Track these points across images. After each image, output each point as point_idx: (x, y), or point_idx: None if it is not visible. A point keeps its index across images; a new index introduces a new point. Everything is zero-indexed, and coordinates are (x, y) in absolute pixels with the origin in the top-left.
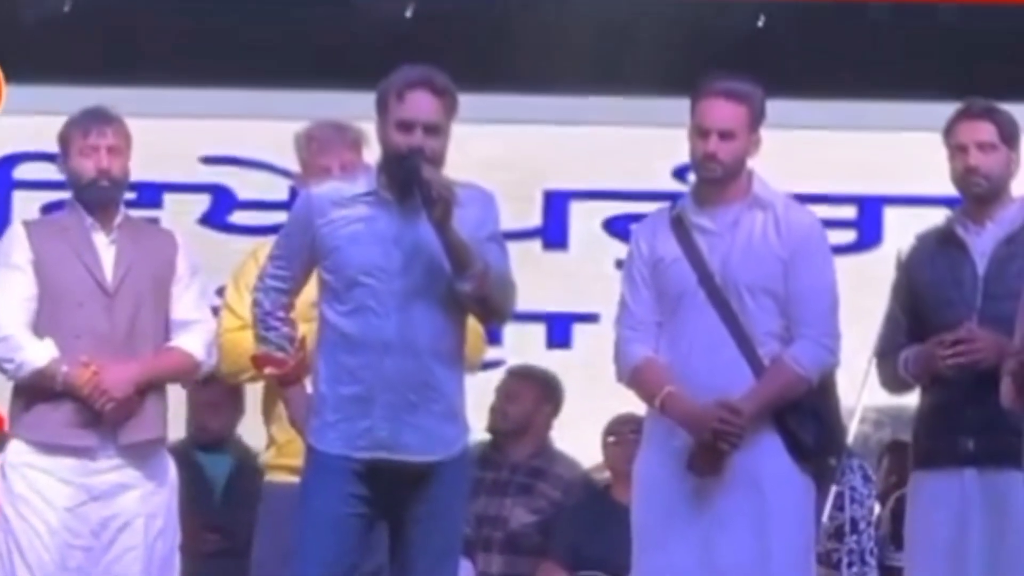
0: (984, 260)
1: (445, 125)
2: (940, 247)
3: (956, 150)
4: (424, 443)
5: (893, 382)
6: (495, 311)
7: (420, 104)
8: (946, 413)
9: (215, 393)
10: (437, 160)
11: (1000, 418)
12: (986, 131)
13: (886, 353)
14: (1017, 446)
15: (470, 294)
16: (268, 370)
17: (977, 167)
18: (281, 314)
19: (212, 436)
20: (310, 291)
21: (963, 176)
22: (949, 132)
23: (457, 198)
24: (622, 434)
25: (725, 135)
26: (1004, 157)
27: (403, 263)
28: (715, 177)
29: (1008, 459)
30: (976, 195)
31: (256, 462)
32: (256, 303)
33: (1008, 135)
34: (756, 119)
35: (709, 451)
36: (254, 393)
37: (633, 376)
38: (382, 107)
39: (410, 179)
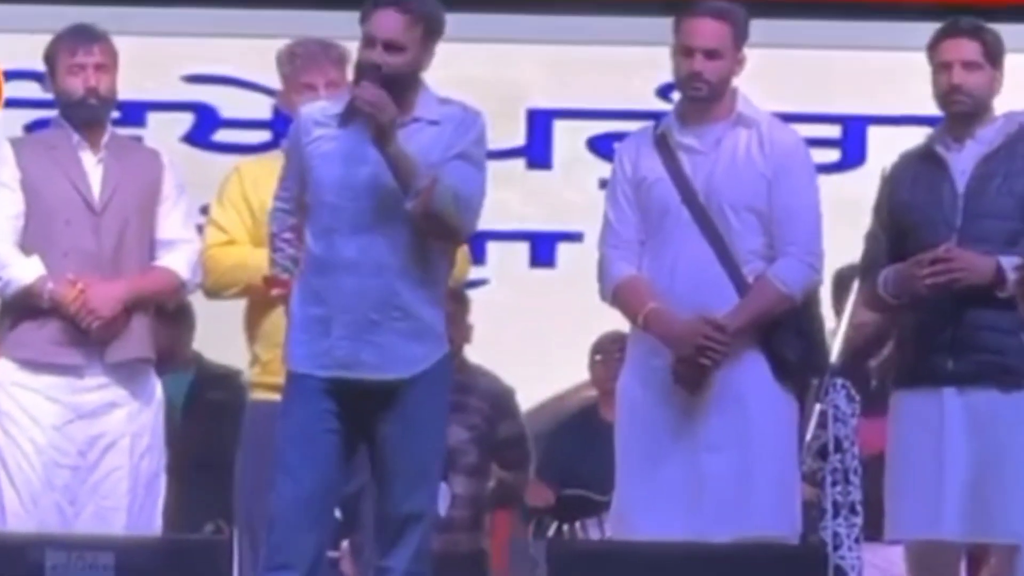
0: (964, 178)
1: (412, 44)
2: (920, 165)
3: (940, 67)
4: (384, 362)
5: (874, 300)
6: (446, 229)
7: (382, 21)
8: (926, 333)
9: (167, 325)
10: (402, 78)
11: (980, 337)
12: (971, 49)
13: (868, 271)
14: (997, 365)
15: (412, 211)
16: (275, 291)
17: (960, 85)
18: (287, 235)
19: (171, 363)
20: None
21: (946, 93)
22: (933, 49)
23: (392, 115)
24: (609, 352)
25: (710, 54)
26: (988, 76)
27: (367, 181)
28: (701, 96)
29: (988, 378)
30: (958, 113)
31: (219, 373)
32: (268, 225)
33: (993, 54)
34: (740, 38)
35: (692, 367)
36: (238, 311)
37: (616, 294)
38: (361, 23)
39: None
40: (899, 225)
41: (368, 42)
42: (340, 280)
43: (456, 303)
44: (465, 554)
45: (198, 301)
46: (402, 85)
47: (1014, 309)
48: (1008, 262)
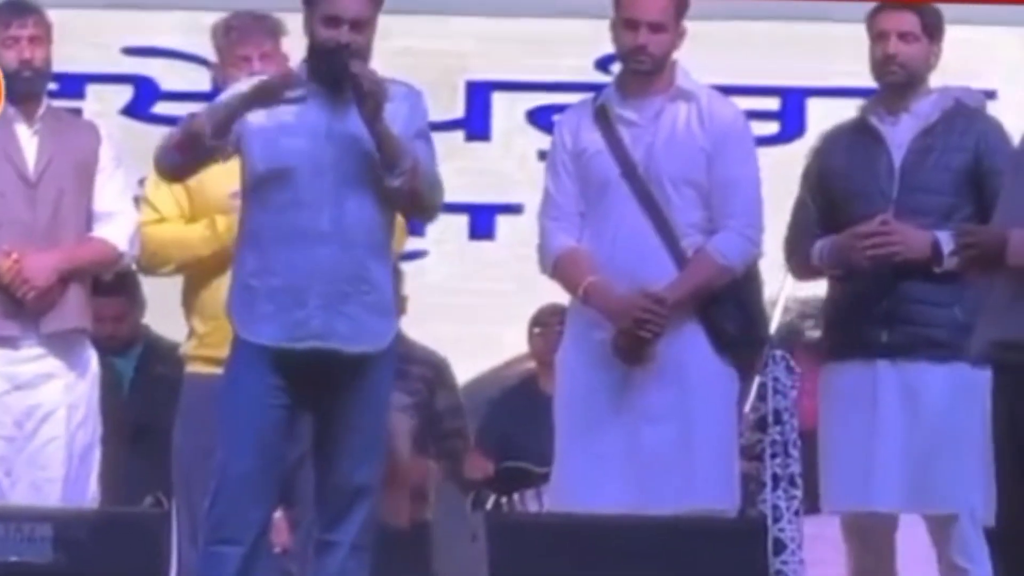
0: (901, 152)
1: (372, 19)
2: (855, 136)
3: (877, 37)
4: (356, 333)
5: (803, 270)
6: (423, 207)
7: (347, 1)
8: (858, 304)
9: (118, 305)
10: (363, 54)
11: (914, 310)
12: (908, 21)
13: (796, 241)
14: (930, 338)
15: (399, 188)
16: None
17: (895, 55)
18: None
19: (122, 342)
20: (227, 182)
21: (881, 63)
22: (871, 20)
23: (387, 93)
24: (548, 325)
25: (655, 27)
26: (924, 49)
27: (335, 156)
28: (644, 70)
29: (921, 350)
30: (892, 84)
31: (164, 347)
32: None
33: (931, 27)
34: (682, 10)
35: (632, 340)
36: (173, 286)
37: (556, 266)
38: (308, 2)
39: (339, 75)
40: (831, 195)
41: (331, 22)
42: (313, 251)
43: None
44: (407, 525)
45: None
46: (365, 61)
47: (949, 282)
48: (944, 236)
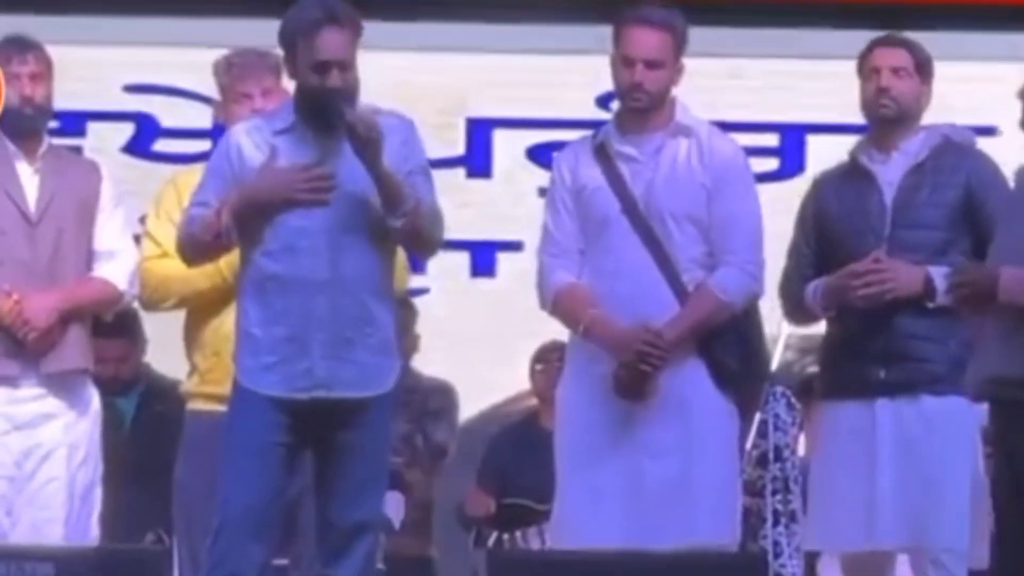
0: (892, 189)
1: (354, 54)
2: (846, 178)
3: (870, 73)
4: (361, 378)
5: (797, 312)
6: (426, 244)
7: (331, 43)
8: (855, 343)
9: (121, 347)
10: (353, 92)
11: (911, 346)
12: (901, 57)
13: (789, 285)
14: (928, 373)
15: (401, 230)
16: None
17: (888, 88)
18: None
19: (125, 383)
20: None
21: (873, 98)
22: (863, 59)
23: (382, 134)
24: (550, 361)
25: (651, 64)
26: (916, 86)
27: (337, 200)
28: (640, 107)
29: (919, 387)
30: (883, 118)
31: (164, 385)
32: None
33: (921, 65)
34: (680, 47)
35: (633, 374)
36: (176, 322)
37: (556, 302)
38: (289, 46)
39: (333, 121)
40: (825, 236)
41: (320, 67)
42: (312, 299)
43: (406, 311)
44: (411, 559)
45: (146, 314)
46: (354, 98)
47: (944, 317)
48: (937, 271)
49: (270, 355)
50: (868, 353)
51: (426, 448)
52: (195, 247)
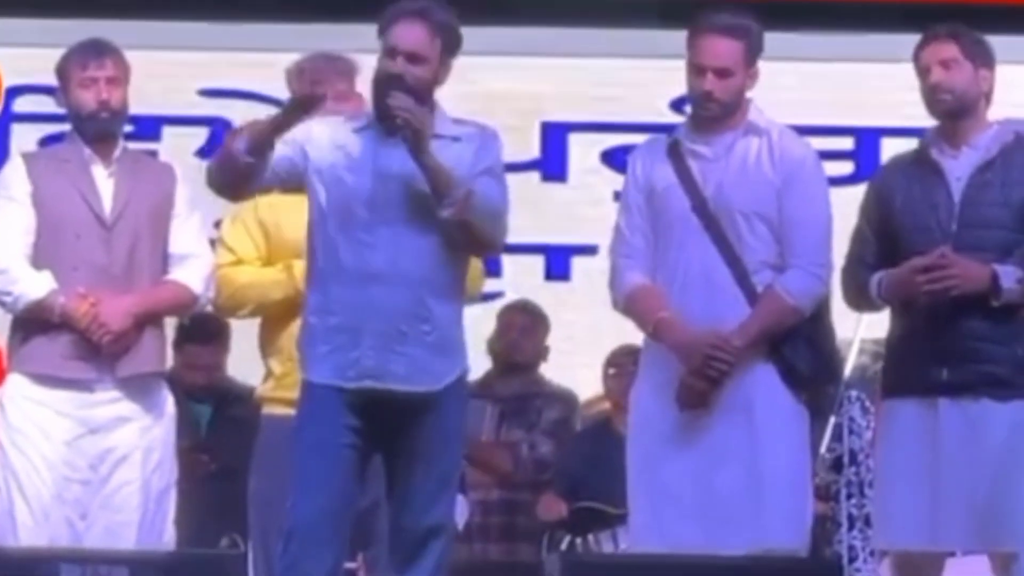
0: (960, 185)
1: (433, 56)
2: (915, 169)
3: (923, 72)
4: (412, 373)
5: (858, 299)
6: (480, 241)
7: (404, 33)
8: (919, 341)
9: (213, 354)
10: (419, 89)
11: (974, 347)
12: (947, 49)
13: (852, 271)
14: (991, 375)
15: (449, 219)
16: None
17: (939, 83)
18: None
19: (203, 390)
20: (304, 225)
21: (929, 95)
22: (916, 57)
23: (428, 125)
24: (623, 366)
25: (721, 73)
26: (969, 73)
27: (392, 192)
28: (711, 115)
29: (983, 388)
30: (944, 112)
31: (239, 391)
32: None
33: (972, 52)
34: (753, 54)
35: (699, 378)
36: (251, 327)
37: (628, 302)
38: (381, 35)
39: (379, 104)
40: (890, 227)
41: (389, 53)
42: (369, 291)
43: (537, 321)
44: (496, 564)
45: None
46: (422, 98)
47: (1008, 319)
48: (1004, 271)
49: (324, 344)
50: (931, 352)
51: (531, 458)
52: (216, 169)
